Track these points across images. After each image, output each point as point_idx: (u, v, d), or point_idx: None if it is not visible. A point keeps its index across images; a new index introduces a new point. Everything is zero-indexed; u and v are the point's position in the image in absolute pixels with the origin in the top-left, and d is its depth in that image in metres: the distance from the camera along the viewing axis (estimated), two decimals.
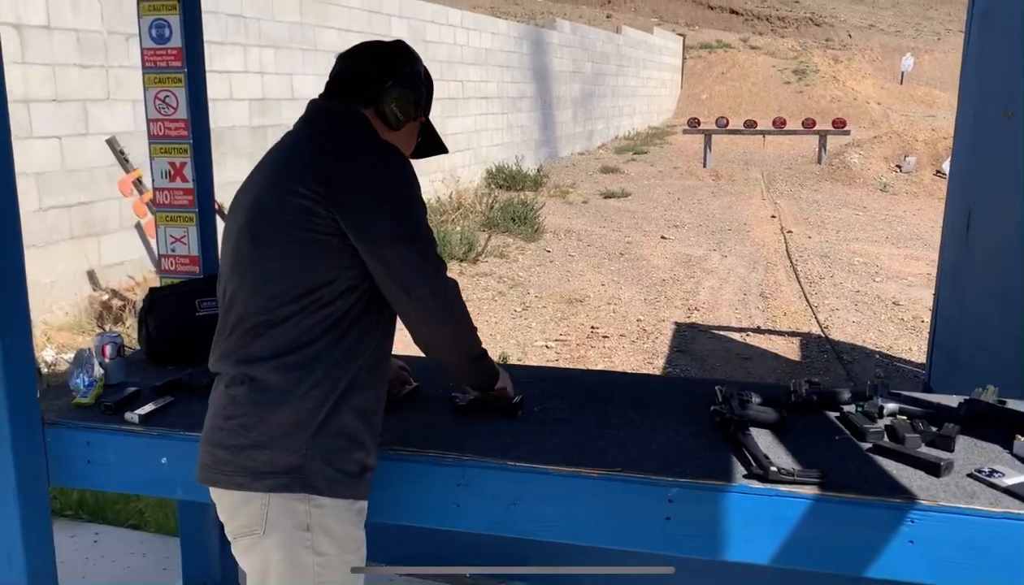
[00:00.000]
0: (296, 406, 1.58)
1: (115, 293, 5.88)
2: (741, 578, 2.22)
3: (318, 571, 1.61)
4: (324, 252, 1.57)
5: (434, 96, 1.86)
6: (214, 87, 5.60)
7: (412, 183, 1.64)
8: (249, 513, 1.61)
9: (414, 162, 1.77)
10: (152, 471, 1.96)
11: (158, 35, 2.52)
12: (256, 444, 1.58)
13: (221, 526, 2.58)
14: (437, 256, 1.65)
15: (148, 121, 2.58)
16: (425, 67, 1.83)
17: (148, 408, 2.01)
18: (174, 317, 2.44)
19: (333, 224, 1.56)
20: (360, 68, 1.74)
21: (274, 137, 1.82)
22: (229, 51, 7.34)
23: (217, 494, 1.65)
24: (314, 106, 1.74)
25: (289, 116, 8.04)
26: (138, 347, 2.50)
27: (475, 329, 1.75)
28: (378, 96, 1.70)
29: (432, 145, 1.90)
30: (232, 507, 1.63)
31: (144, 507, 3.24)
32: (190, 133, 2.56)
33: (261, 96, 7.80)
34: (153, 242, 6.42)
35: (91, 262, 6.05)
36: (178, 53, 2.52)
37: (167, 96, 2.55)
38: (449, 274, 1.70)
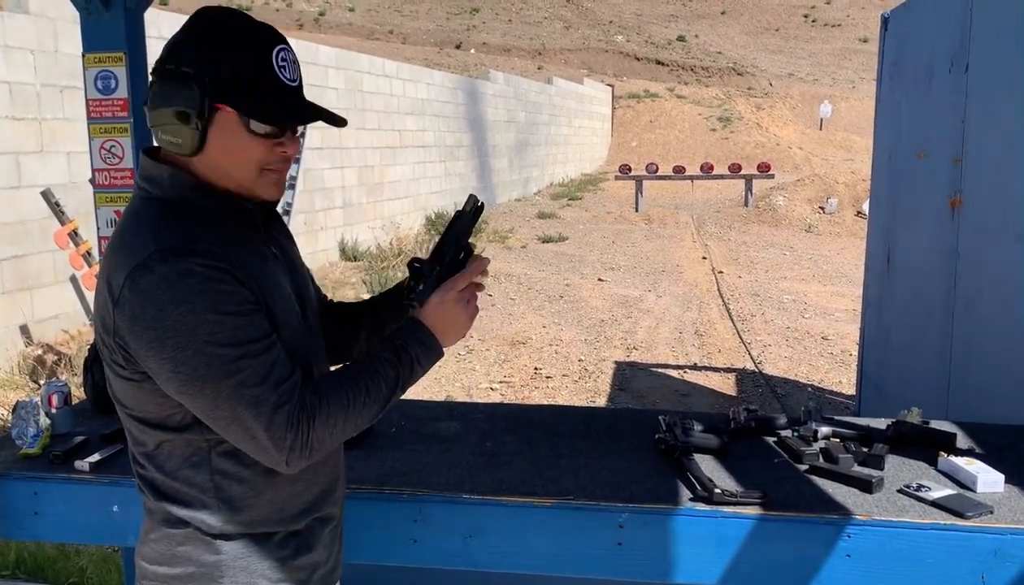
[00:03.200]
0: (199, 532, 1.36)
1: (49, 348, 5.74)
2: None
3: None
4: (142, 395, 1.29)
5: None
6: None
7: (191, 310, 1.20)
8: None
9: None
10: (103, 519, 1.94)
11: (104, 86, 2.55)
12: (175, 565, 1.37)
13: None
14: (248, 391, 1.22)
15: (93, 170, 2.59)
16: (214, 32, 1.26)
17: (98, 456, 2.00)
18: None
19: (132, 369, 1.26)
20: None
21: None
22: None
23: None
24: (139, 166, 1.35)
25: None
26: (83, 397, 2.47)
27: (351, 413, 1.31)
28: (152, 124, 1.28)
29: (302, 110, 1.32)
30: None
31: (86, 564, 3.16)
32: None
33: None
34: (90, 294, 6.30)
35: (25, 316, 5.90)
36: (124, 104, 2.55)
37: (113, 146, 2.57)
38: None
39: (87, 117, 2.59)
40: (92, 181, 2.63)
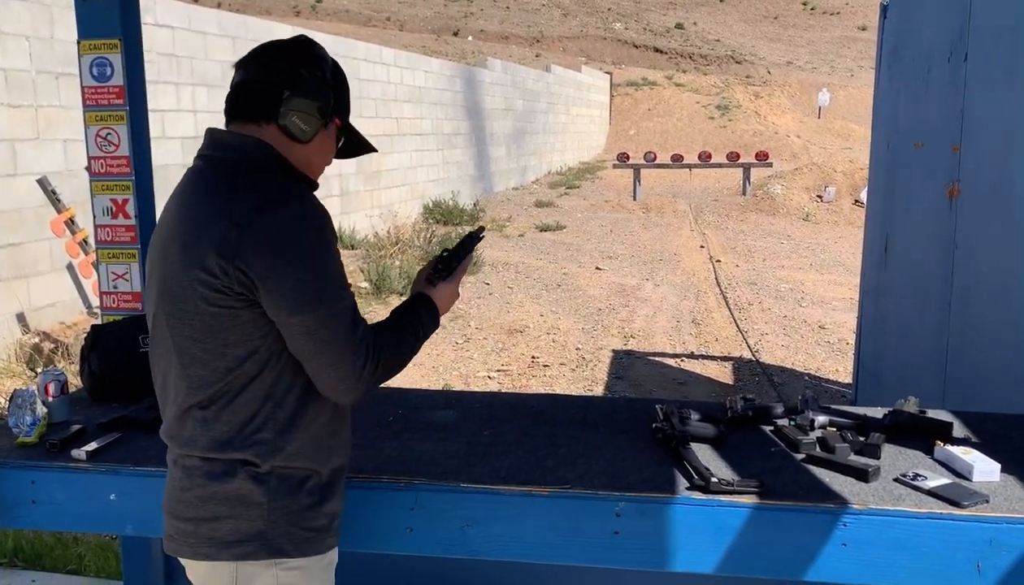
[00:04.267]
0: (248, 475, 1.53)
1: (46, 336, 5.73)
2: None
3: None
4: (236, 325, 1.47)
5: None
6: None
7: (315, 239, 1.48)
8: (218, 581, 1.57)
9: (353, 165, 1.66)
10: (101, 508, 1.94)
11: (99, 73, 2.54)
12: (215, 516, 1.54)
13: (166, 567, 2.59)
14: (348, 318, 1.49)
15: (89, 158, 2.58)
16: (333, 63, 1.66)
17: (95, 444, 1.99)
18: (117, 354, 2.42)
19: (239, 297, 1.45)
20: (254, 78, 1.58)
21: None
22: (161, 90, 7.28)
23: (186, 563, 1.62)
24: (210, 139, 1.59)
25: None
26: (80, 385, 2.47)
27: (396, 359, 1.58)
28: (275, 109, 1.56)
29: (358, 145, 1.75)
30: (202, 576, 1.60)
31: (84, 551, 3.16)
32: (132, 170, 2.57)
33: (195, 134, 7.73)
34: (86, 282, 6.28)
35: (21, 304, 5.89)
36: (120, 91, 2.54)
37: (109, 133, 2.56)
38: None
39: (83, 104, 2.57)
40: (88, 169, 2.62)
